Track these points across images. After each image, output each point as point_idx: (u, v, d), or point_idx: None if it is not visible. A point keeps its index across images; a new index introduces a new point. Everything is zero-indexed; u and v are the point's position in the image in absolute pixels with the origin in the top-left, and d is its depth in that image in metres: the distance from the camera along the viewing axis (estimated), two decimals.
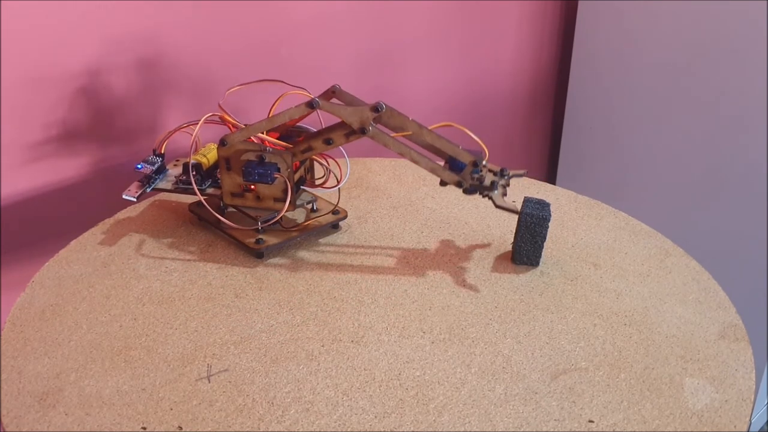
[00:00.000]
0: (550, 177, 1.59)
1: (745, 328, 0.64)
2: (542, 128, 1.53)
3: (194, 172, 0.72)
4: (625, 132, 1.37)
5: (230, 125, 0.70)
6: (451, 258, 0.73)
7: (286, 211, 0.70)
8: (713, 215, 1.28)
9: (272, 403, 0.55)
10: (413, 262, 0.72)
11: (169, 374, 0.57)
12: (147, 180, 0.73)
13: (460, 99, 1.32)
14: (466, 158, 0.67)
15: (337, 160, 0.74)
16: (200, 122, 0.70)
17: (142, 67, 0.89)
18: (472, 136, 0.69)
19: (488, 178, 0.68)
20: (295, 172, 0.71)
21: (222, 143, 0.68)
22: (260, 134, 0.69)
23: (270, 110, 0.69)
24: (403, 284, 0.68)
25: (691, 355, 0.61)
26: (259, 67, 1.00)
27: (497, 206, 0.67)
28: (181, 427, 0.53)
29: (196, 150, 0.73)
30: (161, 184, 0.74)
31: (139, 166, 0.73)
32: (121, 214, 0.78)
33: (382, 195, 0.84)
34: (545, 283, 0.69)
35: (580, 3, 1.35)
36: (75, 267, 0.70)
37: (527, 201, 0.69)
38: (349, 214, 0.77)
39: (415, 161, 0.67)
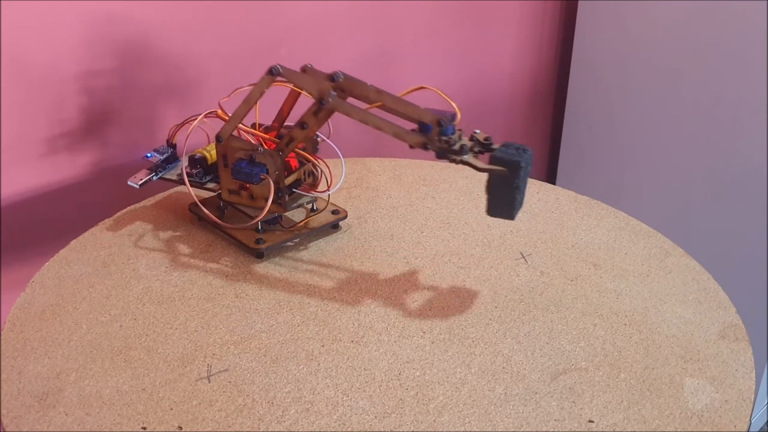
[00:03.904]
0: (550, 177, 1.59)
1: (745, 328, 0.64)
2: (542, 128, 1.53)
3: (198, 167, 0.73)
4: (625, 132, 1.37)
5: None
6: (451, 258, 0.73)
7: (267, 212, 0.70)
8: (713, 215, 1.28)
9: (272, 403, 0.55)
10: (413, 262, 0.72)
11: (169, 374, 0.57)
12: (155, 169, 0.74)
13: (460, 99, 1.32)
14: (430, 118, 0.62)
15: (330, 161, 0.74)
16: (198, 118, 0.70)
17: (142, 68, 0.89)
18: (446, 98, 0.65)
19: (460, 144, 0.62)
20: (291, 174, 0.71)
21: (218, 139, 0.69)
22: (253, 130, 0.69)
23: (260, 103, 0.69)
24: (403, 284, 0.68)
25: (691, 355, 0.61)
26: (259, 67, 1.00)
27: (479, 169, 0.61)
28: (181, 427, 0.53)
29: (189, 146, 0.74)
30: (168, 174, 0.75)
31: (149, 155, 0.74)
32: (121, 214, 0.78)
33: (382, 195, 0.84)
34: (545, 283, 0.69)
35: (580, 3, 1.35)
36: (75, 267, 0.70)
37: (505, 145, 0.62)
38: (349, 214, 0.77)
39: (378, 127, 0.63)
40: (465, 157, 0.62)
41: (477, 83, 1.34)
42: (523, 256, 0.73)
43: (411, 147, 0.63)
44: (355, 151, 1.06)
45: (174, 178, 0.74)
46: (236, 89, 0.71)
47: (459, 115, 0.63)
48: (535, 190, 0.85)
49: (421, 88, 0.65)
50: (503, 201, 0.62)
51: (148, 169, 0.74)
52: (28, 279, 0.68)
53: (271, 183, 0.69)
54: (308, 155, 0.71)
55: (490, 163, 0.61)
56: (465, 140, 0.62)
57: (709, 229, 1.29)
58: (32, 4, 0.78)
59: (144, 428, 0.52)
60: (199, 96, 0.96)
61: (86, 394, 0.55)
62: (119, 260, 0.71)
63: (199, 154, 0.73)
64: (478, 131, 0.63)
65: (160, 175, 0.74)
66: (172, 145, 0.75)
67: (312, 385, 0.57)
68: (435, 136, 0.62)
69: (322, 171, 0.73)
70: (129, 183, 0.73)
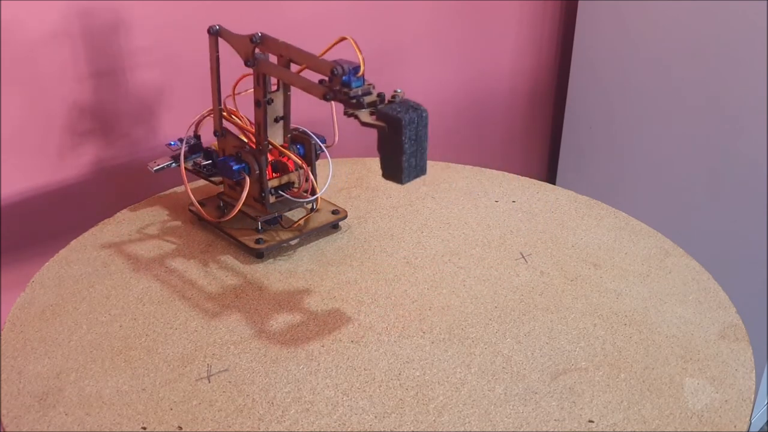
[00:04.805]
0: (550, 177, 1.59)
1: (745, 328, 0.64)
2: (542, 128, 1.53)
3: (210, 160, 0.75)
4: (625, 132, 1.37)
5: (229, 120, 0.72)
6: (451, 258, 0.73)
7: (239, 209, 0.70)
8: (713, 215, 1.28)
9: (272, 403, 0.55)
10: (413, 262, 0.72)
11: (169, 374, 0.57)
12: (177, 157, 0.75)
13: (460, 99, 1.32)
14: (326, 68, 0.60)
15: (328, 162, 0.74)
16: (198, 116, 0.72)
17: (142, 68, 0.89)
18: (356, 49, 0.62)
19: (360, 97, 0.60)
20: (284, 175, 0.71)
21: (214, 133, 0.70)
22: (240, 123, 0.71)
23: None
24: (403, 284, 0.68)
25: (691, 355, 0.61)
26: None
27: (362, 123, 0.59)
28: (181, 427, 0.53)
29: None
30: (187, 164, 0.76)
31: (173, 143, 0.76)
32: (121, 214, 0.78)
33: (382, 195, 0.84)
34: (545, 283, 0.69)
35: (580, 3, 1.35)
36: (75, 267, 0.70)
37: (401, 102, 0.59)
38: (349, 214, 0.77)
39: (292, 83, 0.64)
40: (358, 111, 0.59)
41: (477, 83, 1.34)
42: (523, 256, 0.73)
43: (320, 98, 0.61)
44: (355, 151, 1.05)
45: (189, 167, 0.76)
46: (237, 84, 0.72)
47: (363, 67, 0.60)
48: (535, 190, 0.85)
49: (342, 39, 0.64)
50: (391, 162, 0.58)
51: (170, 156, 0.76)
52: (28, 279, 0.68)
53: (247, 181, 0.69)
54: (297, 157, 0.71)
55: (376, 119, 0.58)
56: (373, 96, 0.60)
57: (709, 229, 1.29)
58: (33, 4, 0.78)
59: (144, 428, 0.52)
60: (199, 96, 0.96)
61: (86, 394, 0.55)
62: (119, 260, 0.71)
63: (212, 147, 0.74)
64: (398, 90, 0.60)
65: (179, 163, 0.75)
66: (197, 136, 0.76)
67: (312, 385, 0.57)
68: (336, 86, 0.59)
69: (305, 176, 0.73)
70: (147, 167, 0.75)
